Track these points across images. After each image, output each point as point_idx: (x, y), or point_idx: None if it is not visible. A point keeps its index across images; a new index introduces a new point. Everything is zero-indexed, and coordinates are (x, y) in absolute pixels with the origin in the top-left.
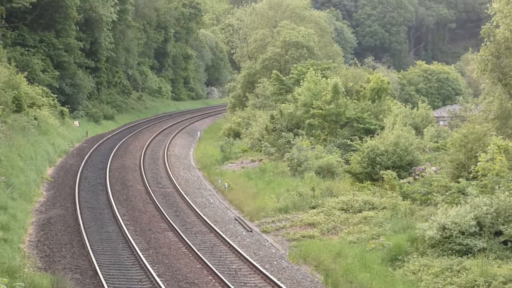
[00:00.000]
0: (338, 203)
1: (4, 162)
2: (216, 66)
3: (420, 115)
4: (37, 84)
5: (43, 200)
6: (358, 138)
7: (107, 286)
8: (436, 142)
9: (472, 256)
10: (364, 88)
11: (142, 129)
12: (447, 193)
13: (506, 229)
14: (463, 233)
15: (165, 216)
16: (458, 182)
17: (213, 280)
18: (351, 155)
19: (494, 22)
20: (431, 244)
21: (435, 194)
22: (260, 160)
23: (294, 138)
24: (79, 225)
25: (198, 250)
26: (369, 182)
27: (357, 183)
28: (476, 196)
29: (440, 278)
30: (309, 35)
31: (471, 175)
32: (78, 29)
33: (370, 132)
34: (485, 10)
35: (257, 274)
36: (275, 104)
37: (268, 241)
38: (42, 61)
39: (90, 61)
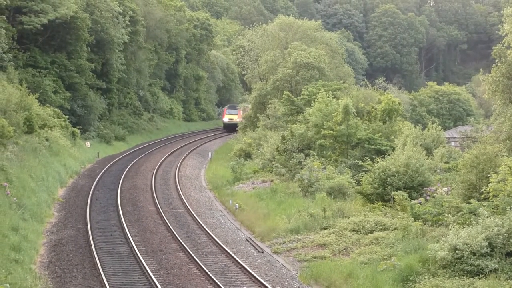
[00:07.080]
0: (349, 224)
1: (16, 183)
2: (227, 87)
3: (431, 136)
4: (48, 105)
5: (55, 221)
6: (369, 159)
7: None
8: (447, 163)
9: (483, 277)
10: (375, 109)
11: (153, 150)
12: (458, 214)
13: None
14: (474, 254)
15: (176, 237)
16: (470, 203)
17: None
18: (362, 176)
19: (506, 43)
20: (443, 265)
21: (446, 215)
22: (271, 181)
23: (305, 158)
24: (91, 246)
25: (209, 271)
26: (380, 203)
27: (368, 204)
28: (487, 217)
29: None
30: (320, 56)
31: (482, 196)
32: (90, 50)
33: (381, 153)
34: (496, 31)
35: None
36: (286, 125)
37: (279, 261)
38: (54, 83)
39: (102, 82)
